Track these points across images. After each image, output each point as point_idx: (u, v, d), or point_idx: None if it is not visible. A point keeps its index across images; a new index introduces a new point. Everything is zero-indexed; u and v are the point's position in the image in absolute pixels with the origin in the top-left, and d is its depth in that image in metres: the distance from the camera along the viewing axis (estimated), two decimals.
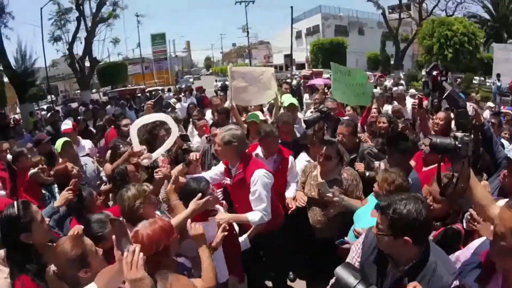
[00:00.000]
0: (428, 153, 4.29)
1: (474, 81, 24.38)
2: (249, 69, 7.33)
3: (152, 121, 4.77)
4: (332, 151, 4.06)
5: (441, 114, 5.08)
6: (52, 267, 2.24)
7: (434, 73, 2.95)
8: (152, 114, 4.88)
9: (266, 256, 4.70)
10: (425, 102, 5.37)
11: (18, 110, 22.38)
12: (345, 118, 6.31)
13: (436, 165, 4.08)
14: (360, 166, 4.55)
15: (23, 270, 2.45)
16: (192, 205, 2.99)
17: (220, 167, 4.13)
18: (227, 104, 6.90)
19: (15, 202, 2.61)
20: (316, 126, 4.77)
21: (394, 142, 4.12)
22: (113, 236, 1.96)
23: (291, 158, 4.51)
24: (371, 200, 3.61)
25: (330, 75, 20.27)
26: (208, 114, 8.42)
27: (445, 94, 2.63)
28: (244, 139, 3.82)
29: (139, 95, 23.56)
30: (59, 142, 5.38)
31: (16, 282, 2.43)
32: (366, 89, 6.47)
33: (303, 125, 5.92)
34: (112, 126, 8.48)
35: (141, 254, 1.91)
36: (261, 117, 6.36)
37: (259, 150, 4.53)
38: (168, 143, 4.63)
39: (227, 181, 4.00)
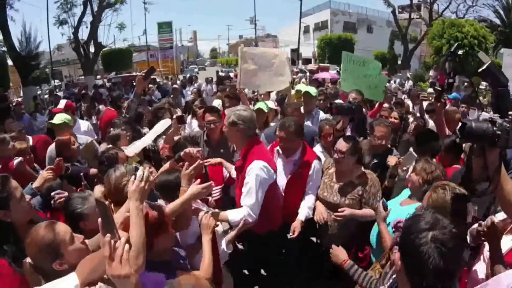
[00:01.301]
0: (444, 153, 4.11)
1: (481, 86, 24.14)
2: (261, 50, 6.69)
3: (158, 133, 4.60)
4: (348, 147, 3.60)
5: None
6: (28, 259, 2.04)
7: (460, 52, 2.75)
8: (150, 134, 4.57)
9: (264, 264, 4.15)
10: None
11: (21, 94, 22.25)
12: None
13: (455, 166, 4.01)
14: (393, 160, 4.06)
15: (0, 252, 2.29)
16: (192, 189, 2.71)
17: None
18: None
19: None
20: (340, 120, 4.46)
21: (425, 139, 3.98)
22: (99, 220, 1.72)
23: (315, 163, 3.83)
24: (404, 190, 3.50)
25: (337, 70, 20.04)
26: (216, 103, 8.01)
27: (483, 68, 2.21)
28: (253, 122, 3.47)
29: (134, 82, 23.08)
30: (61, 117, 5.29)
31: None
32: (380, 83, 6.19)
33: (321, 115, 5.73)
34: (109, 107, 8.40)
35: (127, 246, 1.68)
36: (272, 106, 6.01)
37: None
38: (155, 130, 4.47)
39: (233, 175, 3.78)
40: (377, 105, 6.24)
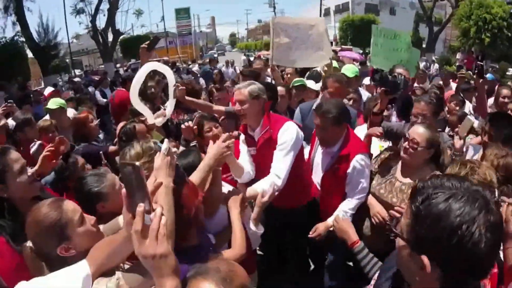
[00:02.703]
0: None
1: (508, 72, 23.28)
2: (295, 20, 5.81)
3: (146, 74, 4.30)
4: (426, 138, 2.81)
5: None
6: (29, 243, 1.77)
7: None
8: (155, 63, 4.26)
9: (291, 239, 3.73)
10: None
11: (42, 85, 22.44)
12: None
13: None
14: (458, 142, 3.31)
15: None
16: (212, 149, 2.45)
17: (243, 147, 3.29)
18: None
19: None
20: (377, 101, 3.66)
21: (502, 122, 3.21)
22: (123, 190, 1.33)
23: (358, 159, 3.12)
24: None
25: (360, 53, 19.46)
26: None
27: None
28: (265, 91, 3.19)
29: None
30: (57, 102, 5.30)
31: None
32: (411, 57, 5.84)
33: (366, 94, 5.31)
34: (120, 88, 8.24)
35: (164, 219, 1.28)
36: (314, 86, 5.34)
37: None
38: (171, 93, 4.16)
39: (251, 151, 3.24)
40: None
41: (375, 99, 4.20)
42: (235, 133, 3.30)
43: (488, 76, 7.83)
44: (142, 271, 1.54)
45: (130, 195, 1.30)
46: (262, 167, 3.11)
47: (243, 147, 3.30)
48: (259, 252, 3.88)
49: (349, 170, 3.11)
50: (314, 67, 5.96)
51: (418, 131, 2.83)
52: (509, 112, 4.35)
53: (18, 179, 2.20)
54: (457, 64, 23.61)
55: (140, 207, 1.25)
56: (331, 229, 2.80)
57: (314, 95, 5.22)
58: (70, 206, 1.73)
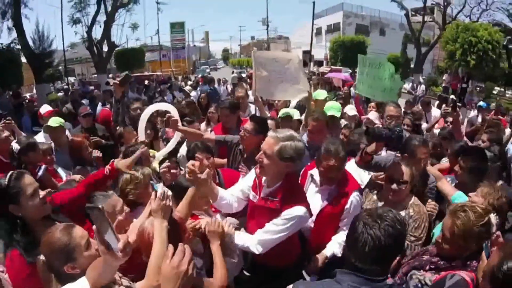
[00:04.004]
0: (452, 156, 4.04)
1: (493, 91, 23.92)
2: (272, 55, 6.09)
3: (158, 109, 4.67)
4: (409, 175, 3.11)
5: None
6: (42, 257, 2.07)
7: None
8: (159, 104, 4.68)
9: None
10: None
11: (34, 91, 22.52)
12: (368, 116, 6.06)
13: None
14: (432, 206, 3.52)
15: (12, 243, 2.37)
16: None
17: (248, 181, 3.14)
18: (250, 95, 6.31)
19: (10, 172, 2.52)
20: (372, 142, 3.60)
21: (473, 157, 3.56)
22: (94, 227, 1.72)
23: (355, 195, 3.27)
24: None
25: (350, 73, 19.93)
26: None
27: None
28: (304, 155, 2.86)
29: (146, 82, 22.66)
30: (57, 121, 5.36)
31: (7, 257, 2.37)
32: (395, 85, 6.12)
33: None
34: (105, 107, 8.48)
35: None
36: (296, 116, 5.56)
37: (315, 172, 3.45)
38: (174, 141, 4.51)
39: (250, 195, 3.09)
40: None
41: (359, 134, 4.54)
42: (205, 162, 3.20)
43: (482, 104, 8.22)
44: None
45: (100, 232, 1.69)
46: (250, 224, 3.10)
47: (245, 182, 3.19)
48: None
49: (347, 206, 3.24)
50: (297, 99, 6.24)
51: (404, 171, 3.14)
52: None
53: (30, 202, 2.44)
54: (443, 85, 24.25)
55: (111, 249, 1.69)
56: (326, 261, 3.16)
57: (298, 126, 5.48)
58: (79, 233, 2.06)
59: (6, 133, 4.70)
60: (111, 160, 3.18)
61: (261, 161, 2.78)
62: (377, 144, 3.50)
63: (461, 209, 2.32)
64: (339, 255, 3.19)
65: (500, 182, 3.74)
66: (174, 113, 4.45)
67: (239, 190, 3.14)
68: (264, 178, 2.93)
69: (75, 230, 2.06)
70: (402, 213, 3.09)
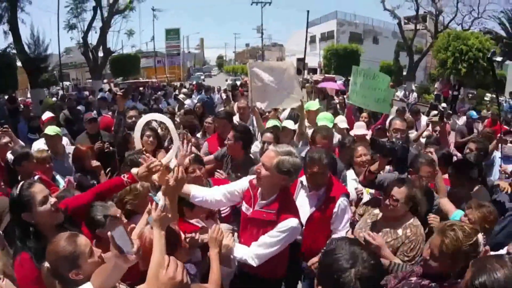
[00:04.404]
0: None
1: (485, 98, 24.19)
2: (269, 64, 6.25)
3: (143, 124, 4.77)
4: (404, 195, 3.13)
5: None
6: (46, 263, 2.21)
7: (499, 59, 2.73)
8: (155, 114, 4.76)
9: None
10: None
11: (28, 95, 22.51)
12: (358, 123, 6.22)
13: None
14: (434, 220, 3.54)
15: (24, 247, 2.49)
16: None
17: (243, 184, 3.20)
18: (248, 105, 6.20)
19: (21, 182, 2.66)
20: (375, 160, 3.81)
21: (465, 170, 3.84)
22: (108, 233, 1.92)
23: (342, 200, 3.50)
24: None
25: (341, 82, 20.07)
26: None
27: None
28: (299, 170, 2.99)
29: (140, 88, 22.55)
30: (54, 129, 5.49)
31: (16, 260, 2.49)
32: (387, 96, 6.27)
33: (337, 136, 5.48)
34: (106, 114, 8.59)
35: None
36: (291, 126, 5.69)
37: (304, 179, 3.65)
38: (174, 150, 4.61)
39: (243, 207, 3.14)
40: (382, 117, 6.58)
41: (354, 144, 4.80)
42: (198, 172, 3.58)
43: (471, 113, 8.36)
44: None
45: (113, 237, 1.91)
46: (243, 237, 3.16)
47: (235, 186, 3.24)
48: None
49: (335, 209, 3.46)
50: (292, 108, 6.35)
51: (398, 190, 3.14)
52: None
53: (41, 208, 2.57)
54: (435, 93, 24.51)
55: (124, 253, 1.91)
56: None
57: (291, 135, 5.63)
58: (83, 241, 2.21)
59: (6, 139, 4.83)
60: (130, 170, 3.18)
61: (259, 172, 2.86)
62: (380, 162, 3.65)
63: (449, 228, 2.34)
64: None
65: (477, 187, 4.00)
66: (169, 124, 4.55)
67: (227, 191, 3.18)
68: (259, 191, 3.01)
69: (80, 238, 2.21)
70: (399, 231, 3.15)
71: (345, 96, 10.58)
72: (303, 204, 3.53)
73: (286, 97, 5.55)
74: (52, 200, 2.65)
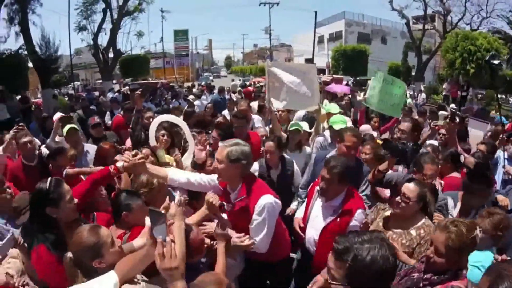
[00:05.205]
0: (443, 162, 4.35)
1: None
2: (289, 65, 6.37)
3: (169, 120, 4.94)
4: (417, 193, 3.14)
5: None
6: (69, 254, 2.32)
7: (496, 62, 2.82)
8: (170, 116, 4.95)
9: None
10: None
11: (39, 95, 22.80)
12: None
13: (454, 175, 4.27)
14: (438, 218, 3.49)
15: (42, 239, 2.65)
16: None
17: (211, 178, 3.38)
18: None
19: (49, 178, 2.84)
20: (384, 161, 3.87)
21: (479, 177, 3.73)
22: (147, 223, 2.09)
23: (359, 213, 3.38)
24: None
25: (351, 82, 20.06)
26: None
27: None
28: (251, 158, 3.19)
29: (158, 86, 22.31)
30: (66, 128, 5.70)
31: (33, 252, 2.67)
32: (401, 101, 6.48)
33: None
34: (119, 113, 8.75)
35: (173, 244, 2.03)
36: (307, 129, 5.76)
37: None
38: (190, 151, 4.76)
39: (224, 206, 3.26)
40: (392, 120, 6.83)
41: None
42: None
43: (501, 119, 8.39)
44: (160, 284, 2.33)
45: (151, 227, 2.07)
46: (237, 230, 3.18)
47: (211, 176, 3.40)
48: None
49: (351, 224, 3.31)
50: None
51: (410, 187, 3.16)
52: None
53: (68, 205, 2.82)
54: (443, 93, 24.41)
55: (159, 238, 2.01)
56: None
57: (307, 137, 5.73)
58: (106, 232, 2.35)
59: (27, 138, 4.89)
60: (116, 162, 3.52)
61: (217, 168, 3.13)
62: (390, 161, 3.77)
63: (452, 224, 2.40)
64: None
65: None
66: (183, 126, 4.74)
67: (210, 178, 3.37)
68: (228, 187, 3.25)
69: (102, 229, 2.35)
70: (413, 232, 3.15)
71: (350, 96, 10.68)
72: (318, 214, 3.56)
73: (303, 100, 5.55)
74: (75, 200, 2.91)
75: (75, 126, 5.86)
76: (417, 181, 3.29)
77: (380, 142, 5.14)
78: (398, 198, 3.19)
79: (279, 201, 3.19)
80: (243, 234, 3.07)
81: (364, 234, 1.90)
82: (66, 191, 2.83)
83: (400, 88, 6.49)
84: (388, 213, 3.42)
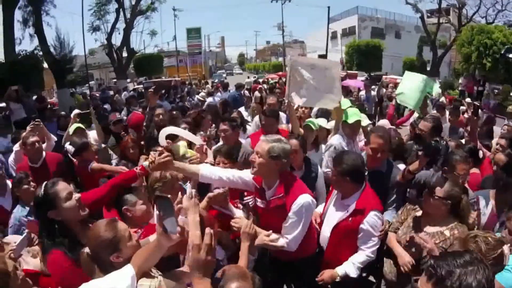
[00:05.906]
0: None
1: (511, 94, 23.63)
2: (311, 61, 5.96)
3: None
4: (447, 193, 3.03)
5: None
6: (86, 249, 2.33)
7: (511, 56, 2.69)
8: (176, 128, 4.87)
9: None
10: None
11: (55, 95, 23.11)
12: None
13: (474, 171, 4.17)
14: (473, 217, 3.37)
15: (55, 244, 2.61)
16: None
17: (249, 176, 3.28)
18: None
19: (44, 183, 2.79)
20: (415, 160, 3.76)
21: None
22: (156, 212, 2.07)
23: (372, 215, 3.25)
24: None
25: (366, 77, 19.91)
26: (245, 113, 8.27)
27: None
28: (288, 154, 3.13)
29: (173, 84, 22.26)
30: (73, 127, 5.82)
31: (48, 258, 2.62)
32: (422, 97, 6.42)
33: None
34: (136, 111, 8.83)
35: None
36: (325, 125, 5.66)
37: None
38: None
39: (258, 202, 3.26)
40: (407, 113, 6.97)
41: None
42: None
43: None
44: (177, 277, 2.34)
45: (161, 217, 2.03)
46: (269, 227, 3.14)
47: (244, 173, 3.34)
48: None
49: (362, 225, 3.21)
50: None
51: (443, 188, 3.04)
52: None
53: (66, 204, 2.70)
54: (459, 88, 24.02)
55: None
56: (337, 279, 3.21)
57: (326, 134, 5.58)
58: (123, 227, 2.35)
59: (34, 138, 4.86)
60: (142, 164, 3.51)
61: (254, 161, 3.05)
62: (421, 160, 3.65)
63: (472, 240, 2.28)
64: (352, 275, 3.21)
65: None
66: (190, 137, 4.65)
67: (240, 176, 3.31)
68: (263, 183, 3.17)
69: (119, 224, 2.35)
70: (447, 233, 3.03)
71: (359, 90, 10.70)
72: (333, 210, 3.52)
73: (323, 97, 5.32)
74: (77, 195, 2.80)
75: (82, 126, 5.94)
76: (451, 180, 3.15)
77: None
78: (430, 198, 3.08)
79: (315, 201, 3.18)
80: (270, 231, 3.06)
81: (462, 255, 1.63)
82: (61, 189, 2.73)
83: (430, 87, 6.56)
84: (419, 213, 3.32)
